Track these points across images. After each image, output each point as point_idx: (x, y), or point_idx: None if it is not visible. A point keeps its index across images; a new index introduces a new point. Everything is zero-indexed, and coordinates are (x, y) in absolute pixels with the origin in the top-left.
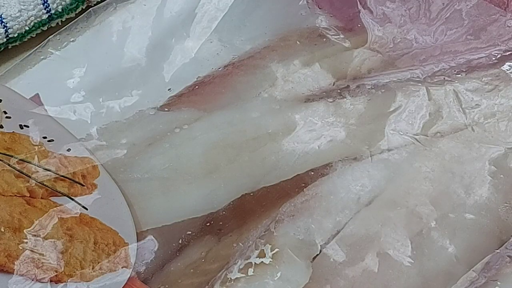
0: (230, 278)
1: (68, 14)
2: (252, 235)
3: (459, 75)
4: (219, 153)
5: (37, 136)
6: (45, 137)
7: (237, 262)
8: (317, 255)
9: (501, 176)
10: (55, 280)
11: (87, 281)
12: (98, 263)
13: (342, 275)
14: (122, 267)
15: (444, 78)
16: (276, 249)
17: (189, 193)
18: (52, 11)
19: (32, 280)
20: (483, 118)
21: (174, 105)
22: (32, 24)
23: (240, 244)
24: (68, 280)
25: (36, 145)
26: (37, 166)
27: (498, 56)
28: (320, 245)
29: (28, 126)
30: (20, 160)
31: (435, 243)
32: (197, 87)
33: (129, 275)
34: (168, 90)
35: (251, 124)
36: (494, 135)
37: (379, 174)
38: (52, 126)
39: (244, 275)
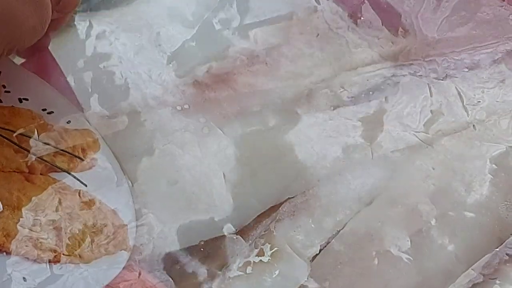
0: (229, 277)
1: None
2: (252, 235)
3: (462, 72)
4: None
5: (36, 109)
6: (44, 109)
7: (236, 260)
8: (317, 254)
9: (502, 174)
10: (53, 261)
11: (85, 263)
12: (97, 244)
13: (341, 274)
14: (120, 250)
15: (446, 75)
16: (276, 248)
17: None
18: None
19: (30, 261)
20: (485, 116)
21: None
22: None
23: (240, 242)
24: (66, 261)
25: (36, 118)
26: (37, 140)
27: (502, 53)
28: (320, 245)
29: (27, 99)
30: (19, 134)
31: (435, 241)
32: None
33: (127, 258)
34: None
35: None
36: (495, 133)
37: (380, 172)
38: (52, 97)
39: (242, 273)
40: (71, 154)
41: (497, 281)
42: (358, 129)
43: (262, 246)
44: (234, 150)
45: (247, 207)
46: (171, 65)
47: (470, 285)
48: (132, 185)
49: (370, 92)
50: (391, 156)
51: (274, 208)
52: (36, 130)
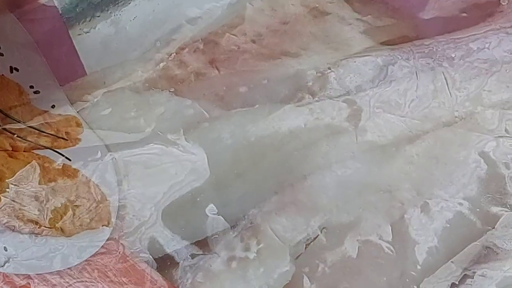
0: (213, 269)
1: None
2: (238, 224)
3: (450, 58)
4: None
5: (24, 84)
6: (32, 87)
7: (221, 253)
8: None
9: (485, 165)
10: (35, 233)
11: (67, 236)
12: (79, 218)
13: (321, 259)
14: (102, 225)
15: (434, 60)
16: (261, 245)
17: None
18: None
19: (12, 231)
20: (470, 103)
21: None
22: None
23: (222, 223)
24: (48, 233)
25: (23, 94)
26: (22, 124)
27: (492, 40)
28: (306, 240)
29: (18, 70)
30: (4, 115)
31: (415, 230)
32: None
33: (109, 234)
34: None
35: None
36: (481, 122)
37: (363, 156)
38: (41, 72)
39: (227, 268)
40: (55, 136)
41: (476, 274)
42: (344, 113)
43: (248, 241)
44: (219, 135)
45: (231, 194)
46: (158, 43)
47: (449, 278)
48: (116, 162)
49: (358, 76)
50: (375, 140)
51: (261, 195)
52: (21, 113)
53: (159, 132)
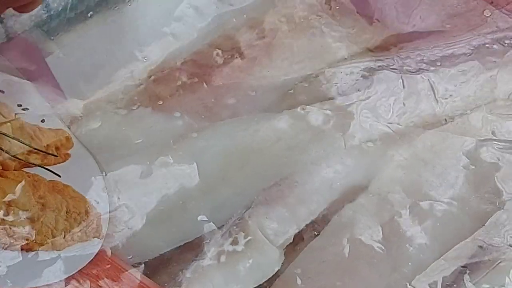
0: (203, 266)
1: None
2: (227, 223)
3: (435, 65)
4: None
5: (12, 103)
6: (19, 105)
7: (210, 249)
8: (290, 243)
9: (473, 167)
10: (26, 249)
11: (58, 250)
12: (70, 232)
13: (312, 260)
14: (93, 237)
15: (419, 68)
16: (249, 237)
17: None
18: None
19: (3, 249)
20: (456, 109)
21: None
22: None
23: (213, 229)
24: (39, 249)
25: (11, 113)
26: (11, 138)
27: (474, 47)
28: (294, 233)
29: (3, 92)
30: None
31: (405, 230)
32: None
33: (100, 246)
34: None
35: None
36: (467, 126)
37: (353, 161)
38: (28, 92)
39: (216, 262)
40: (45, 152)
41: (467, 271)
42: (331, 120)
43: (236, 235)
44: (208, 143)
45: (220, 199)
46: (145, 59)
47: (440, 275)
48: (106, 175)
49: (344, 84)
50: (363, 146)
51: (249, 197)
52: (10, 128)
53: (148, 144)
